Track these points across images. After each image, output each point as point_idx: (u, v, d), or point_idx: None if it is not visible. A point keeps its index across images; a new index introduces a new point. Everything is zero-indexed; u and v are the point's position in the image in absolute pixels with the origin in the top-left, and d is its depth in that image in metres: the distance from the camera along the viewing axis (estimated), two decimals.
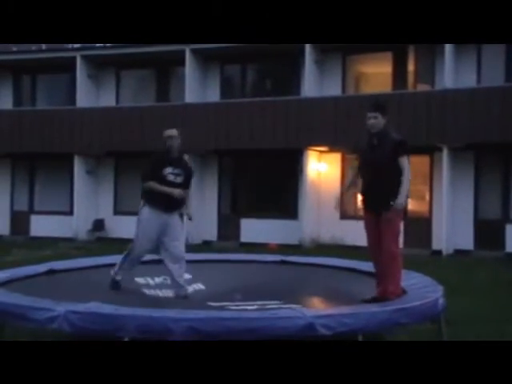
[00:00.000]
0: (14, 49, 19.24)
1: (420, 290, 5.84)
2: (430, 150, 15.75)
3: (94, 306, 4.84)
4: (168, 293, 6.56)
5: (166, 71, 19.32)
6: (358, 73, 17.95)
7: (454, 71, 15.66)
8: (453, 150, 15.56)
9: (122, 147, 18.16)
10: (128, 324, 4.57)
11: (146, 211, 6.44)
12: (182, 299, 6.31)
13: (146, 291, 6.66)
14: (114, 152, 18.60)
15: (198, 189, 17.84)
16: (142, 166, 6.86)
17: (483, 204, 15.85)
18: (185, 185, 6.55)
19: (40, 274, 6.96)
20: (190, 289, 6.67)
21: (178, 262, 6.43)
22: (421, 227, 15.90)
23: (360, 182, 6.16)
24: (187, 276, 6.72)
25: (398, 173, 5.79)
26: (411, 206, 16.33)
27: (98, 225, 18.92)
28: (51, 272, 7.09)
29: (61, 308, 4.78)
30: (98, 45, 18.50)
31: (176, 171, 6.47)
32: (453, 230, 15.49)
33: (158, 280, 7.03)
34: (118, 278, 6.53)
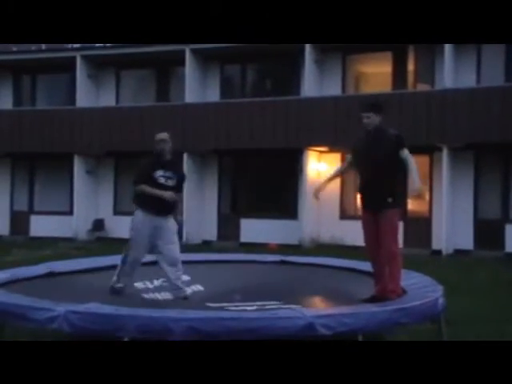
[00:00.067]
0: (14, 49, 19.24)
1: (420, 289, 5.83)
2: (430, 150, 15.75)
3: (94, 307, 4.84)
4: (167, 295, 6.54)
5: (165, 71, 19.33)
6: (358, 73, 17.96)
7: (454, 71, 15.66)
8: (453, 150, 15.56)
9: (121, 147, 18.16)
10: (128, 324, 4.57)
11: (139, 214, 6.48)
12: (182, 300, 6.30)
13: (145, 295, 6.64)
14: (113, 152, 18.60)
15: (198, 189, 17.86)
16: (135, 169, 6.89)
17: (483, 204, 15.85)
18: (176, 188, 6.56)
19: (40, 276, 6.94)
20: (189, 290, 6.67)
21: (173, 265, 6.42)
22: (421, 227, 15.91)
23: (358, 181, 6.17)
24: (185, 278, 6.72)
25: (397, 170, 5.81)
26: (411, 205, 16.35)
27: (98, 225, 18.92)
28: (51, 274, 7.07)
29: (61, 308, 4.77)
30: (97, 45, 18.50)
31: (167, 174, 6.49)
32: (453, 229, 15.49)
33: (156, 283, 7.01)
34: (119, 285, 6.52)
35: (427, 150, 15.62)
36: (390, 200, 5.75)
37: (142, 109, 18.43)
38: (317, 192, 6.41)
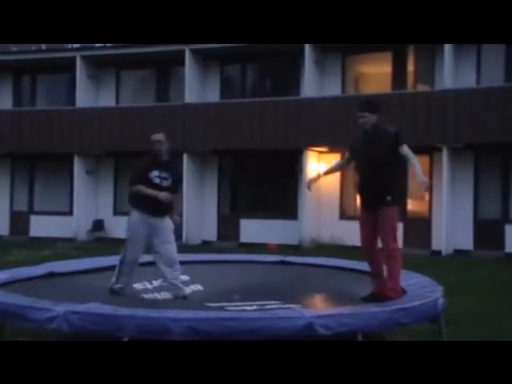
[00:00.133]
0: (14, 49, 19.23)
1: (420, 290, 5.83)
2: (430, 150, 15.74)
3: (94, 307, 4.84)
4: (167, 295, 6.54)
5: (165, 71, 19.32)
6: (358, 73, 17.95)
7: (454, 71, 15.65)
8: (452, 150, 15.56)
9: (121, 147, 18.14)
10: (127, 324, 4.57)
11: (135, 215, 6.50)
12: (181, 300, 6.30)
13: (145, 295, 6.63)
14: (113, 152, 18.59)
15: (198, 189, 17.86)
16: (130, 169, 6.91)
17: (483, 204, 15.85)
18: (172, 189, 6.56)
19: (39, 277, 6.93)
20: (188, 290, 6.66)
21: (171, 265, 6.42)
22: (420, 227, 15.91)
23: (356, 179, 6.17)
24: (185, 278, 6.71)
25: (396, 167, 5.81)
26: (411, 206, 16.35)
27: (98, 225, 18.91)
28: (51, 275, 7.06)
29: (60, 308, 4.77)
30: (97, 45, 18.51)
31: (163, 175, 6.49)
32: (452, 230, 15.48)
33: (156, 283, 6.99)
34: (118, 285, 6.51)
35: (427, 150, 15.60)
36: (388, 198, 5.75)
37: (142, 109, 18.43)
38: (310, 182, 6.63)
